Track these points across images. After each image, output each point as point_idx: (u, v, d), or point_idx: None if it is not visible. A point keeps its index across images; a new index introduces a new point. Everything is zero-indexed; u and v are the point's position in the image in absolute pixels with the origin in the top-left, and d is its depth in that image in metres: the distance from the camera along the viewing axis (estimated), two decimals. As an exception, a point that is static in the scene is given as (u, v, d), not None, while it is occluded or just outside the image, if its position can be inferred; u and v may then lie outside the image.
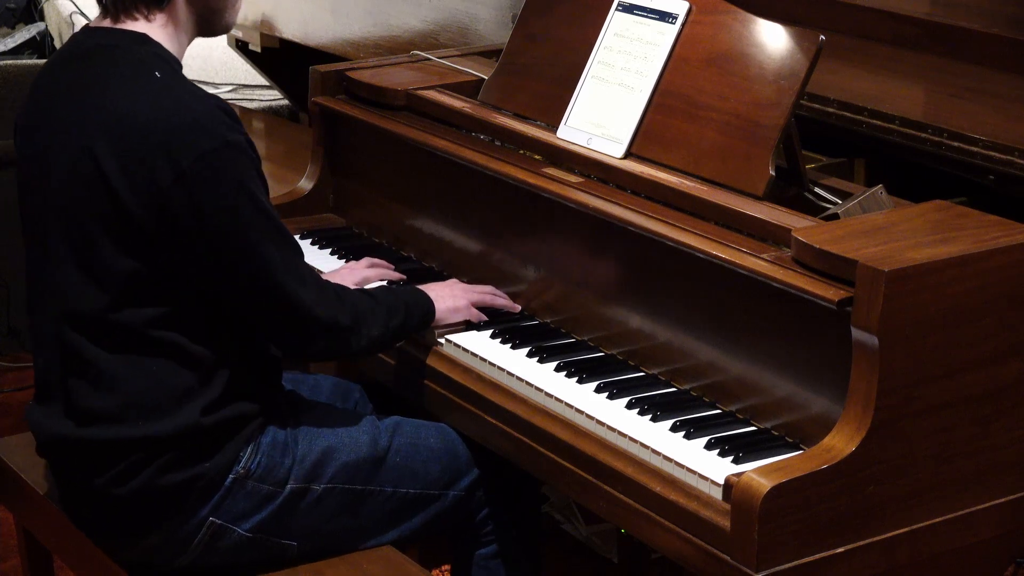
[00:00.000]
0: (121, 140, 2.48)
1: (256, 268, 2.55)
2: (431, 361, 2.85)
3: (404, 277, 3.10)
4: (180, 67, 2.61)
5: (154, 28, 2.59)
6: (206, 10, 2.64)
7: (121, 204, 2.48)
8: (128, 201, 2.48)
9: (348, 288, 2.77)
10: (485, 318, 2.89)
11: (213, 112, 2.51)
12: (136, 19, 2.59)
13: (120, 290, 2.52)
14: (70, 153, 2.54)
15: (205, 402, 2.57)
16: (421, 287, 2.88)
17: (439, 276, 3.13)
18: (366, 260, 3.12)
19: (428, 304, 2.83)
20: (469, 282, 3.06)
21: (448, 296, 2.87)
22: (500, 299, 2.93)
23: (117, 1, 2.58)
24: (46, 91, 2.64)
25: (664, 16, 2.84)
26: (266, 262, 2.54)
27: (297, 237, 3.32)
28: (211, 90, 2.64)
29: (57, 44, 5.48)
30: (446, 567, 3.45)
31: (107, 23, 2.61)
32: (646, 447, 2.46)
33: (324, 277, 3.04)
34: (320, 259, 3.22)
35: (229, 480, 2.62)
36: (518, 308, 2.93)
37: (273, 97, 5.24)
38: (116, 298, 2.53)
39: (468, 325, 2.89)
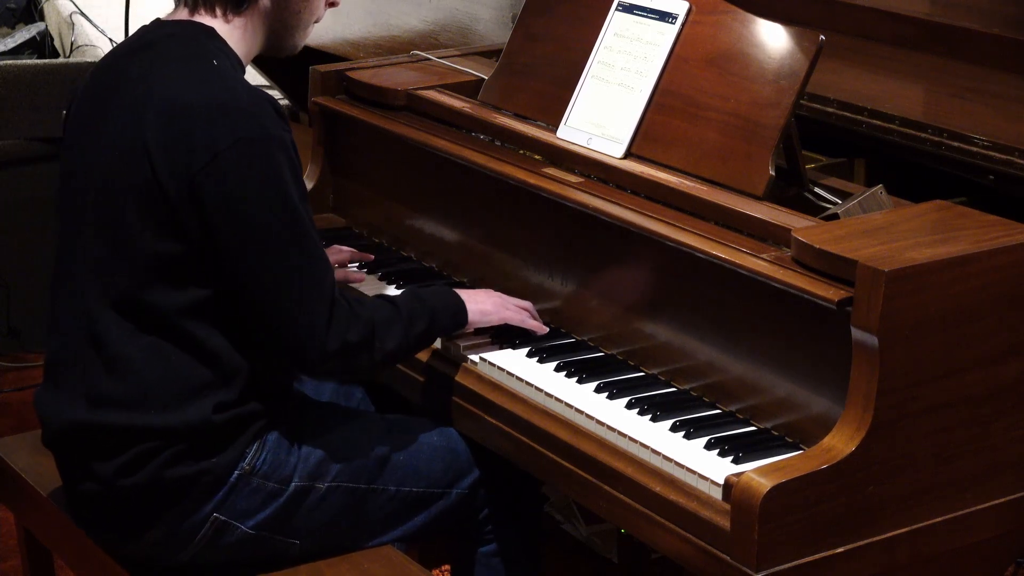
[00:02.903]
0: (169, 118, 2.50)
1: (269, 267, 2.51)
2: (431, 362, 2.85)
3: (372, 257, 3.14)
4: (243, 69, 2.62)
5: (226, 27, 2.61)
6: (279, 24, 2.65)
7: (158, 181, 2.49)
8: (164, 179, 2.48)
9: (365, 300, 2.68)
10: (518, 320, 2.80)
11: (263, 105, 2.52)
12: (214, 16, 2.61)
13: (146, 270, 2.52)
14: (120, 130, 2.55)
15: (219, 399, 2.57)
16: (456, 290, 2.81)
17: (439, 276, 3.13)
18: (333, 248, 3.13)
19: (458, 305, 2.76)
20: (469, 283, 3.07)
21: (482, 299, 2.79)
22: (531, 322, 2.84)
23: None
24: (106, 77, 2.65)
25: (664, 16, 2.84)
26: (281, 262, 2.51)
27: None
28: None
29: (57, 44, 5.47)
30: (446, 567, 3.45)
31: (179, 16, 2.63)
32: (646, 447, 2.46)
33: None
34: (320, 259, 3.22)
35: (234, 477, 2.62)
36: (545, 330, 2.83)
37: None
38: (143, 278, 2.52)
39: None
